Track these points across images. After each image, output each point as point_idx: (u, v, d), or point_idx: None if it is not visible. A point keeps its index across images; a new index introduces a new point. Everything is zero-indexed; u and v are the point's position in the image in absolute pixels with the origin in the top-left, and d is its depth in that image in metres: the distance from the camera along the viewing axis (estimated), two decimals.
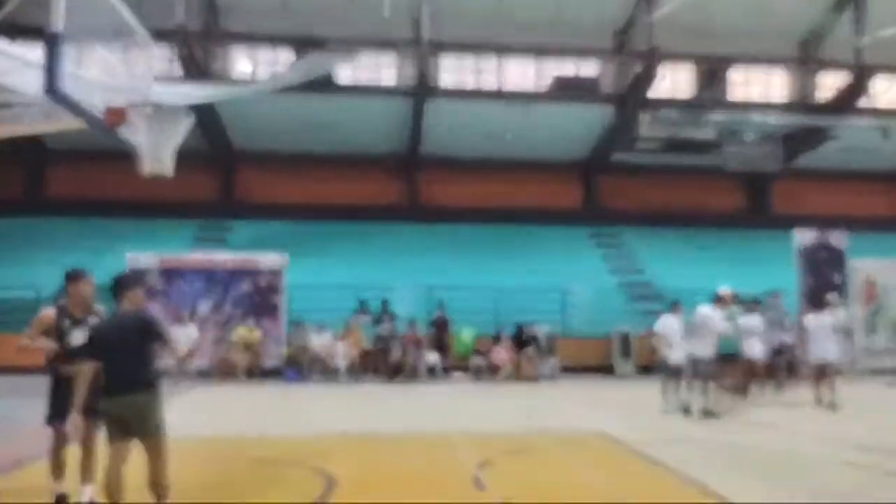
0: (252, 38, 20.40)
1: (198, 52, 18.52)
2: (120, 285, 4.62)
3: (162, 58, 18.35)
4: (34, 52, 8.89)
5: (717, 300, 9.92)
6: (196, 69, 17.96)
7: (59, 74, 5.49)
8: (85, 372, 4.40)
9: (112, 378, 4.38)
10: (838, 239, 16.42)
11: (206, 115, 17.77)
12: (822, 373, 10.50)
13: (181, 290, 15.34)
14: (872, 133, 20.26)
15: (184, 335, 13.52)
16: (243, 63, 21.02)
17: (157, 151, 7.99)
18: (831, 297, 11.80)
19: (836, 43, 20.95)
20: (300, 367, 14.44)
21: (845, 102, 21.02)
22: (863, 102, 21.24)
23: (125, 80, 7.37)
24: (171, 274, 15.39)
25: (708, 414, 9.25)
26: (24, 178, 21.02)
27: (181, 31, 17.24)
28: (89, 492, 4.76)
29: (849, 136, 20.74)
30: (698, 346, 9.58)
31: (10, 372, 12.39)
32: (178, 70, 18.04)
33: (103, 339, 4.48)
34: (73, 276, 4.99)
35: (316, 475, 5.89)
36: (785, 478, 5.93)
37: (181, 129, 8.38)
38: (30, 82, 7.76)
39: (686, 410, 9.47)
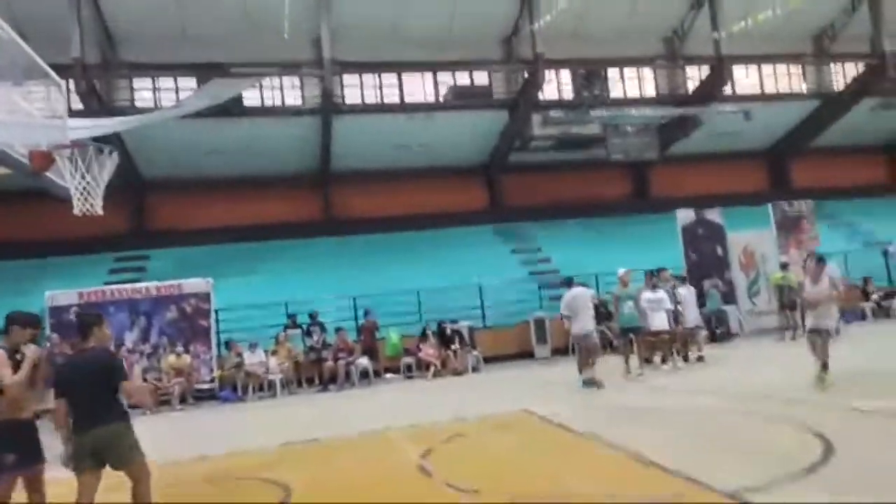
0: (152, 68, 20.32)
1: (98, 85, 18.36)
2: (86, 324, 4.79)
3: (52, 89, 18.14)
4: None
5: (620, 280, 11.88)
6: (97, 101, 17.83)
7: None
8: (62, 409, 4.55)
9: (83, 412, 4.52)
10: (715, 216, 18.32)
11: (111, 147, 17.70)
12: (692, 334, 12.85)
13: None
14: (736, 117, 22.70)
15: None
16: (145, 93, 20.91)
17: (87, 192, 8.30)
18: (665, 273, 13.07)
19: (696, 39, 23.25)
20: (235, 386, 14.83)
21: (710, 92, 23.13)
22: (726, 91, 23.56)
23: (42, 122, 7.70)
24: (92, 308, 15.35)
25: (588, 384, 10.42)
26: None
27: (78, 63, 17.08)
28: None
29: (716, 121, 23.13)
30: (579, 324, 10.89)
31: None
32: (76, 103, 17.80)
33: (71, 376, 4.62)
34: (27, 322, 4.95)
35: (271, 485, 6.09)
36: (685, 430, 6.82)
37: (108, 168, 8.69)
38: None
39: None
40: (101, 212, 8.15)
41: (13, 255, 19.06)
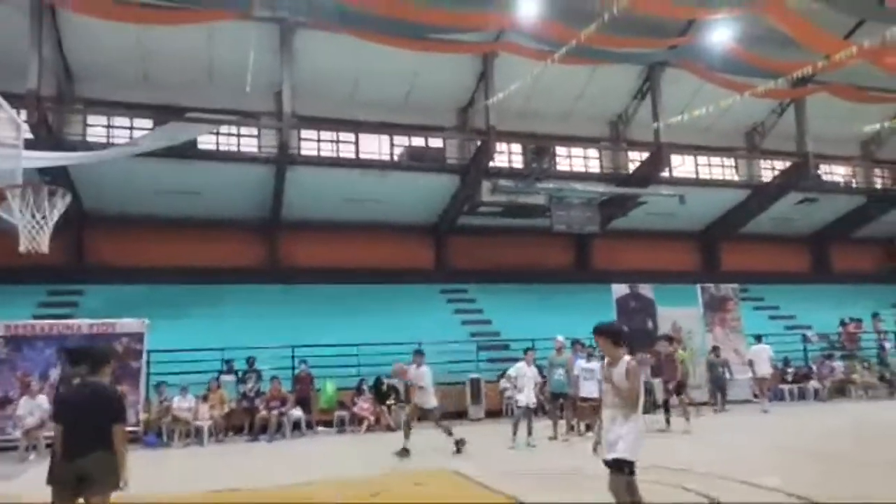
0: (109, 105, 20.28)
1: (50, 117, 18.21)
2: (102, 358, 5.10)
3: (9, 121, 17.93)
4: None
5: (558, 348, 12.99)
6: (46, 133, 17.66)
7: None
8: (59, 434, 4.87)
9: (78, 441, 4.78)
10: (647, 290, 19.28)
11: (56, 179, 17.47)
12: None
13: (30, 358, 14.76)
14: (671, 200, 24.06)
15: (34, 406, 13.23)
16: (99, 129, 20.78)
17: (34, 230, 8.33)
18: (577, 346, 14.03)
19: (639, 124, 24.83)
20: (160, 431, 14.46)
21: (649, 174, 24.46)
22: (664, 174, 25.06)
23: None
24: (18, 342, 14.82)
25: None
26: None
27: (32, 95, 16.96)
28: None
29: (653, 202, 24.43)
30: (521, 395, 11.83)
31: None
32: (25, 134, 17.59)
33: (75, 406, 4.92)
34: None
35: None
36: (596, 495, 7.18)
37: (59, 208, 8.72)
38: None
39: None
40: (46, 250, 8.17)
41: None
